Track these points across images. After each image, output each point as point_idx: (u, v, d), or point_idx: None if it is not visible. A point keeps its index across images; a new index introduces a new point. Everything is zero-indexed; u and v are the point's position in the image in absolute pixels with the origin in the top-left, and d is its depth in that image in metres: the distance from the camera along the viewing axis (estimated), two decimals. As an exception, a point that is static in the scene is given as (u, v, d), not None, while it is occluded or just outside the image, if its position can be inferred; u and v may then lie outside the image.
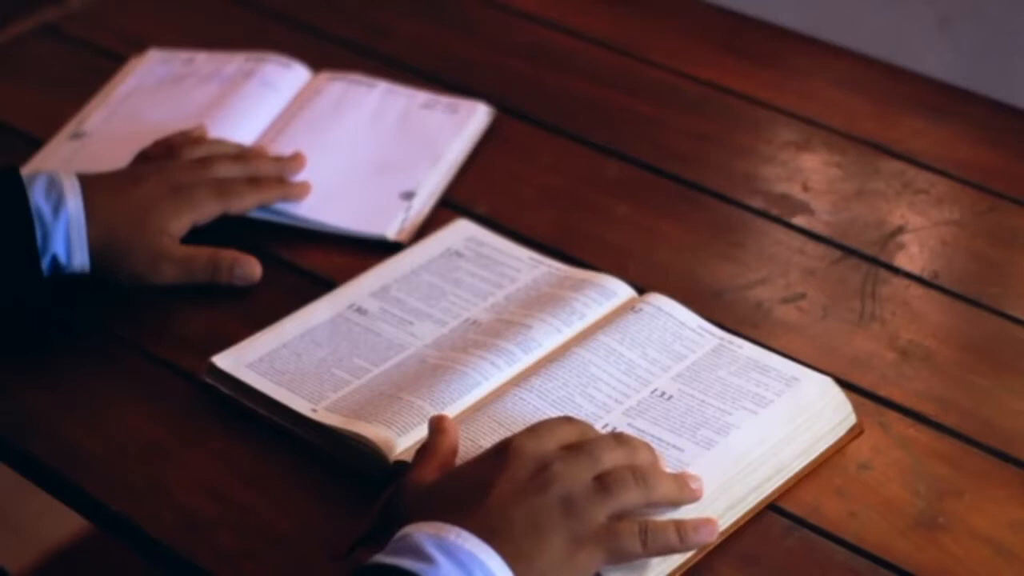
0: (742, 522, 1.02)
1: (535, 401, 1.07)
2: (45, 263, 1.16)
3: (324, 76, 1.44)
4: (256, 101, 1.40)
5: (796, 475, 1.05)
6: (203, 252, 1.21)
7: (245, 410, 1.11)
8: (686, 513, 0.99)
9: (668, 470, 1.01)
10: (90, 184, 1.19)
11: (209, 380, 1.13)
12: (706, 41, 1.52)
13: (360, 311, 1.18)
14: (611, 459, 0.98)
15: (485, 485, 0.95)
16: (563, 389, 1.08)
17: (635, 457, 0.99)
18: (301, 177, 1.31)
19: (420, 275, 1.21)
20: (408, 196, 1.30)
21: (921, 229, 1.28)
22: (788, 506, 1.04)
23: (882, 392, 1.12)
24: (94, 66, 1.48)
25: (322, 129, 1.37)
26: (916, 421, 1.10)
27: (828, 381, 1.10)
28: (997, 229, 1.29)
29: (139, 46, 1.49)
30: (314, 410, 1.08)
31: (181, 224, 1.21)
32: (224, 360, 1.13)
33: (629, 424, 1.06)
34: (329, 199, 1.30)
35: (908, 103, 1.43)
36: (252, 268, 1.22)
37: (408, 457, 1.03)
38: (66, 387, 1.14)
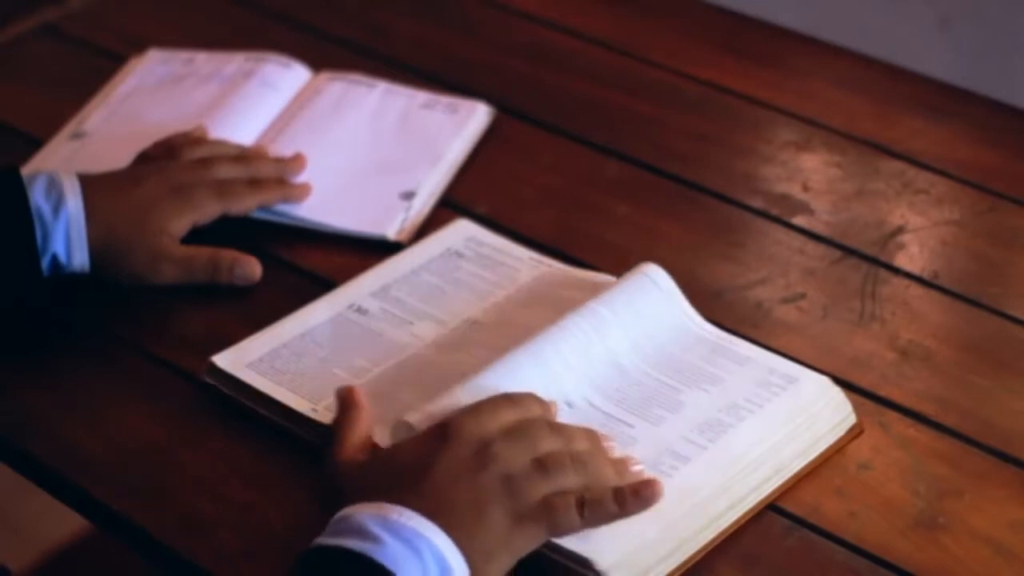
0: (742, 522, 1.02)
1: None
2: (45, 263, 1.16)
3: (324, 76, 1.44)
4: (256, 101, 1.40)
5: (796, 475, 1.05)
6: (203, 252, 1.21)
7: (245, 410, 1.11)
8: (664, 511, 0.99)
9: (615, 454, 1.01)
10: (90, 184, 1.19)
11: (209, 380, 1.13)
12: (706, 41, 1.52)
13: (360, 311, 1.18)
14: (548, 444, 0.99)
15: (425, 464, 0.96)
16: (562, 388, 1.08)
17: (572, 444, 1.00)
18: (301, 178, 1.31)
19: (420, 275, 1.21)
20: (408, 196, 1.30)
21: (921, 229, 1.29)
22: (788, 506, 1.04)
23: (882, 392, 1.12)
24: (94, 66, 1.48)
25: (322, 129, 1.37)
26: (916, 421, 1.10)
27: (828, 381, 1.10)
28: (997, 229, 1.29)
29: (139, 46, 1.49)
30: (314, 410, 1.08)
31: (181, 224, 1.21)
32: (224, 360, 1.13)
33: (629, 423, 1.06)
34: (329, 199, 1.30)
35: (908, 103, 1.43)
36: (252, 268, 1.22)
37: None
38: (66, 387, 1.14)
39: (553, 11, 1.56)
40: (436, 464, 0.96)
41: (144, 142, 1.29)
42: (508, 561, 0.95)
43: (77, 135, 1.37)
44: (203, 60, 1.46)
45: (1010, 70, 2.18)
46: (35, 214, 1.16)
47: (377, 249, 1.25)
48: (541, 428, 1.00)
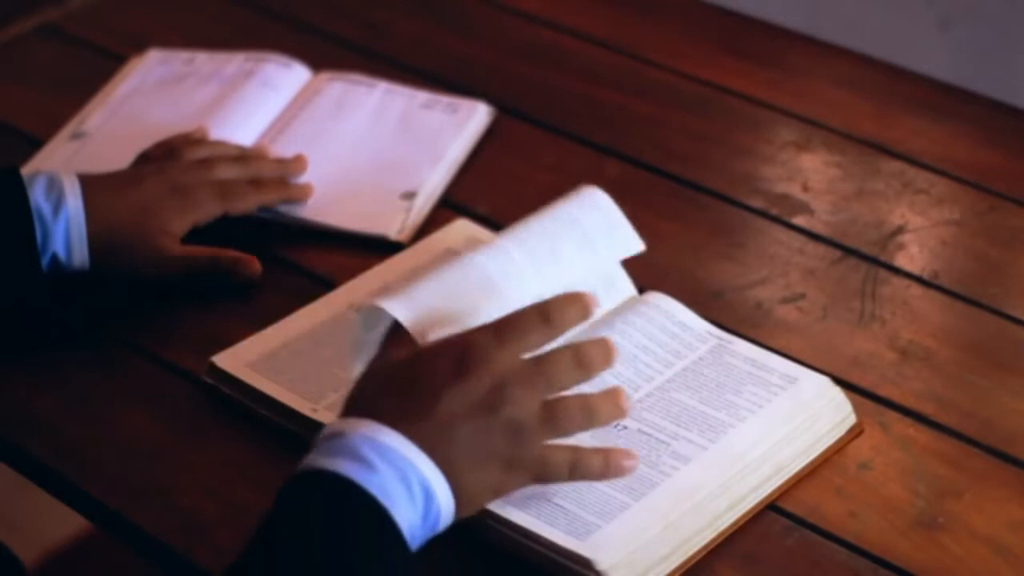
0: (742, 522, 1.02)
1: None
2: (45, 262, 1.16)
3: (324, 76, 1.44)
4: (256, 101, 1.40)
5: (796, 475, 1.05)
6: (204, 252, 1.21)
7: (245, 410, 1.11)
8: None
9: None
10: (90, 184, 1.19)
11: (209, 380, 1.13)
12: (706, 41, 1.52)
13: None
14: (567, 381, 0.97)
15: (434, 391, 0.94)
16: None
17: (592, 374, 0.98)
18: (303, 177, 1.31)
19: (420, 275, 1.21)
20: (409, 196, 1.30)
21: (921, 229, 1.29)
22: (788, 506, 1.04)
23: (882, 392, 1.12)
24: (94, 66, 1.48)
25: (322, 129, 1.37)
26: (916, 421, 1.10)
27: (828, 381, 1.10)
28: (997, 229, 1.29)
29: (139, 46, 1.49)
30: (315, 410, 1.08)
31: (182, 225, 1.21)
32: (224, 360, 1.13)
33: (628, 422, 1.06)
34: (330, 199, 1.30)
35: (908, 103, 1.43)
36: (252, 268, 1.22)
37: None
38: (66, 387, 1.14)
39: (553, 11, 1.56)
40: (445, 395, 0.94)
41: (144, 142, 1.29)
42: (489, 501, 0.97)
43: (77, 135, 1.37)
44: (203, 60, 1.46)
45: (1010, 70, 2.18)
46: (35, 214, 1.16)
47: (377, 249, 1.25)
48: (562, 360, 0.97)
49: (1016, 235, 1.28)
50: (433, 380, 0.95)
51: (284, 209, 1.28)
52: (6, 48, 1.52)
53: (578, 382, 0.98)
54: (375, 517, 0.90)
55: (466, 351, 0.96)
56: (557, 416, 0.97)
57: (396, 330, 1.02)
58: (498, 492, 0.97)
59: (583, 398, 0.98)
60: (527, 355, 0.98)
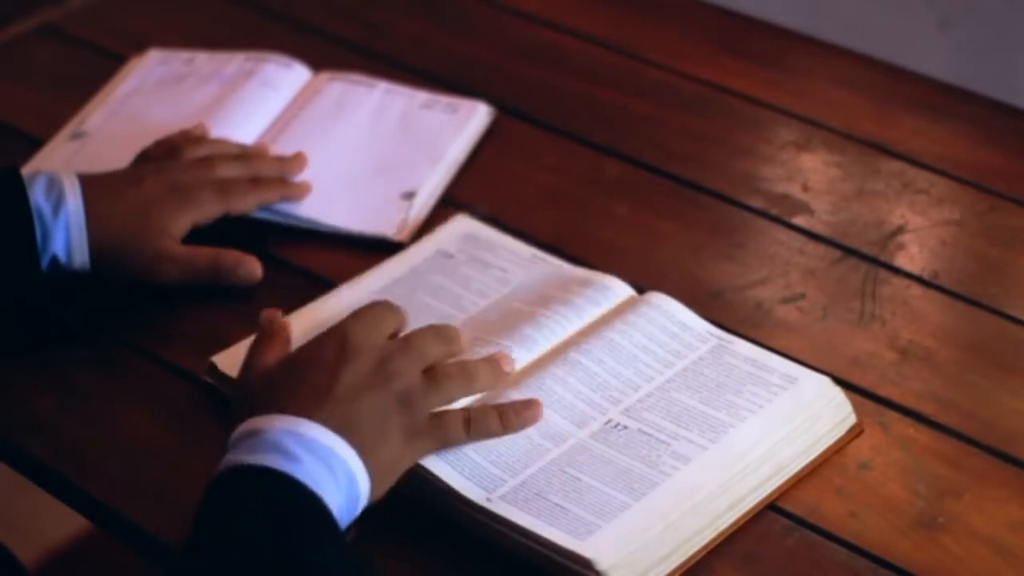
0: (742, 522, 1.02)
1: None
2: (45, 263, 1.16)
3: (324, 76, 1.44)
4: (256, 101, 1.40)
5: (796, 475, 1.05)
6: (204, 252, 1.21)
7: (245, 410, 1.11)
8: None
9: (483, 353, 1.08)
10: (90, 184, 1.19)
11: (209, 380, 1.13)
12: (706, 41, 1.52)
13: (360, 311, 1.18)
14: (435, 351, 1.04)
15: (329, 377, 1.00)
16: (561, 386, 1.08)
17: (453, 346, 1.06)
18: (302, 177, 1.31)
19: (421, 274, 1.21)
20: (409, 196, 1.30)
21: (921, 229, 1.29)
22: (788, 506, 1.04)
23: (882, 392, 1.12)
24: (94, 66, 1.47)
25: (322, 129, 1.37)
26: (916, 421, 1.10)
27: (828, 381, 1.10)
28: (997, 229, 1.29)
29: (139, 46, 1.49)
30: (314, 410, 1.08)
31: (182, 224, 1.21)
32: (224, 360, 1.13)
33: (628, 422, 1.06)
34: (330, 199, 1.30)
35: (908, 103, 1.43)
36: (253, 268, 1.22)
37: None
38: (66, 387, 1.14)
39: (553, 11, 1.56)
40: (340, 378, 1.00)
41: (144, 142, 1.29)
42: (400, 472, 1.00)
43: (77, 135, 1.37)
44: (203, 60, 1.46)
45: (1010, 70, 2.18)
46: (35, 214, 1.16)
47: (377, 249, 1.25)
48: (426, 335, 1.05)
49: (1016, 235, 1.28)
50: (325, 364, 1.01)
51: (284, 209, 1.28)
52: (6, 48, 1.52)
53: (445, 354, 1.05)
54: (308, 504, 0.93)
55: (343, 338, 1.02)
56: (437, 380, 1.02)
57: (257, 344, 1.07)
58: (405, 461, 1.01)
59: (462, 363, 1.05)
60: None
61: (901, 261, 1.25)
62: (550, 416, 1.07)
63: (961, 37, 2.22)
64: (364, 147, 1.36)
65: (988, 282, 1.23)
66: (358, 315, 1.05)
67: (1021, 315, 1.19)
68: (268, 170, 1.28)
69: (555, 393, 1.08)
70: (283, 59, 1.45)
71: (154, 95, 1.42)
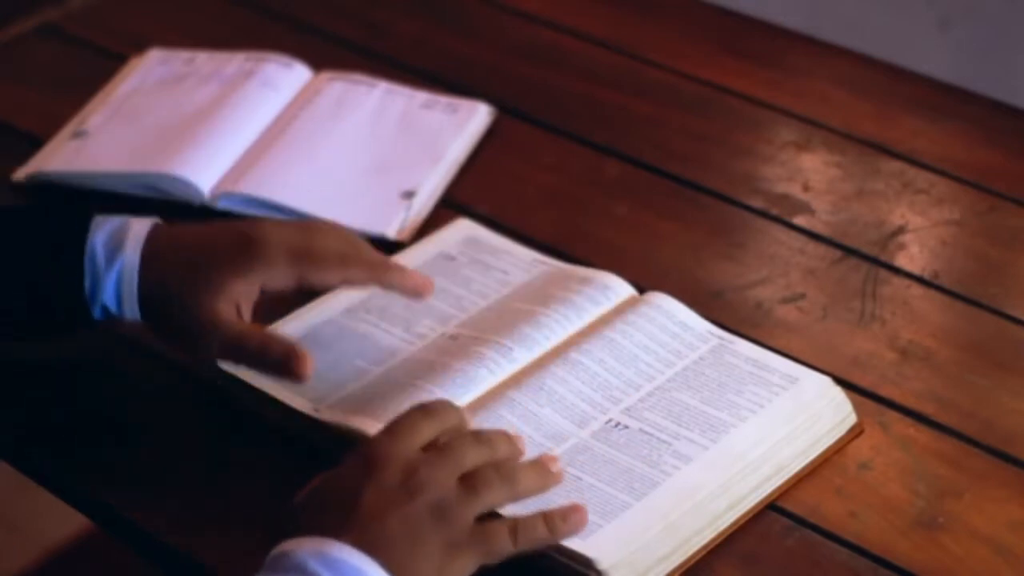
0: (742, 522, 1.02)
1: (530, 404, 1.07)
2: (96, 311, 1.10)
3: (324, 76, 1.44)
4: (256, 101, 1.40)
5: (796, 475, 1.05)
6: (256, 334, 1.07)
7: (245, 410, 1.11)
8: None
9: (528, 456, 1.01)
10: (159, 234, 1.10)
11: (217, 380, 1.13)
12: (706, 41, 1.52)
13: (361, 311, 1.18)
14: (473, 458, 0.97)
15: (353, 495, 0.94)
16: (562, 386, 1.08)
17: (495, 452, 0.99)
18: (303, 177, 1.31)
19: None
20: (408, 196, 1.30)
21: (921, 229, 1.29)
22: (788, 506, 1.04)
23: (882, 392, 1.12)
24: (94, 66, 1.47)
25: (323, 129, 1.37)
26: (916, 421, 1.10)
27: (828, 381, 1.10)
28: (997, 229, 1.29)
29: (139, 46, 1.49)
30: (316, 409, 1.08)
31: (244, 287, 1.08)
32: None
33: (629, 422, 1.06)
34: (329, 199, 1.30)
35: (908, 103, 1.43)
36: (304, 368, 1.05)
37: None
38: (66, 386, 1.14)
39: (553, 11, 1.56)
40: (364, 495, 0.94)
41: (144, 141, 1.29)
42: None
43: (78, 134, 1.37)
44: (203, 60, 1.46)
45: (1010, 70, 2.18)
46: (88, 260, 1.08)
47: (377, 249, 1.25)
48: (463, 440, 0.98)
49: (1016, 235, 1.28)
50: (347, 486, 0.95)
51: (283, 208, 1.28)
52: (6, 48, 1.52)
53: (483, 457, 0.98)
54: None
55: (369, 453, 0.97)
56: (476, 488, 0.96)
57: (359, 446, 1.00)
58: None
59: (504, 468, 0.98)
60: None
61: (901, 261, 1.25)
62: (551, 416, 1.07)
63: (961, 37, 2.22)
64: (364, 147, 1.37)
65: (988, 282, 1.23)
66: (390, 425, 0.99)
67: (1021, 315, 1.19)
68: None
69: (556, 393, 1.08)
70: (283, 59, 1.45)
71: (154, 95, 1.42)
